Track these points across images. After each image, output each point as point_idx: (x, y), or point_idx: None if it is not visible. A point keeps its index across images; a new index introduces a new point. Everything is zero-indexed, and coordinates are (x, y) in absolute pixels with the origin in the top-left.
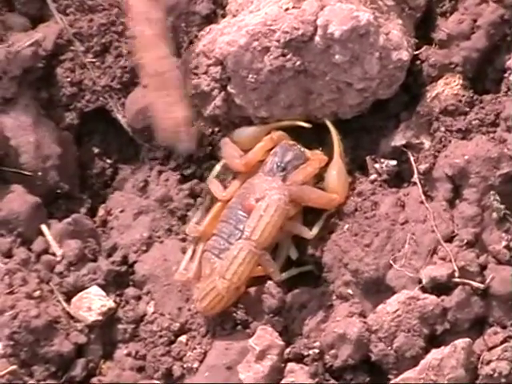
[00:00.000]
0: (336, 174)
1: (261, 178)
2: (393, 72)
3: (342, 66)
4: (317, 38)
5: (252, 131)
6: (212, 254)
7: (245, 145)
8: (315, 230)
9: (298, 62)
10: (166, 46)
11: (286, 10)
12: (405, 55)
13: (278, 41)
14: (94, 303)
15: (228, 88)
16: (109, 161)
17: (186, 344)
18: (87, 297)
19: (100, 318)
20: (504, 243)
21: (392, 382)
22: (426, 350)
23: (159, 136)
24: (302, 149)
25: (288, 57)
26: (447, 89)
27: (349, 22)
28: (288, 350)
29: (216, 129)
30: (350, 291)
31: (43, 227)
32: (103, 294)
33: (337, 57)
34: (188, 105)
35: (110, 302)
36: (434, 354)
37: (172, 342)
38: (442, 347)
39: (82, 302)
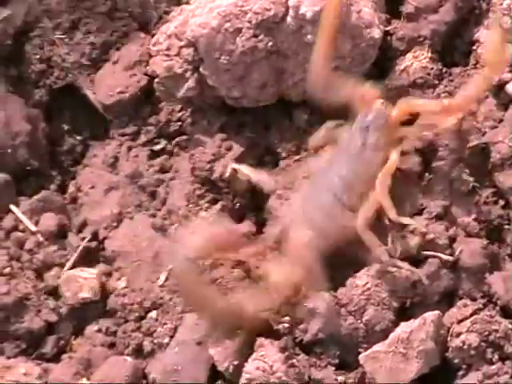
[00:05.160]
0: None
1: None
2: (365, 50)
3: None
4: (288, 19)
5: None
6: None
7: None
8: (403, 219)
9: (270, 43)
10: None
11: None
12: (377, 33)
13: (249, 22)
14: None
15: (201, 69)
16: (78, 137)
17: (157, 320)
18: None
19: None
20: (473, 216)
21: (362, 355)
22: (396, 323)
23: None
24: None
25: (260, 37)
26: (416, 62)
27: (320, 2)
28: None
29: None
30: None
31: (12, 207)
32: None
33: (309, 37)
34: None
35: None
36: (404, 327)
37: (142, 318)
38: (412, 320)
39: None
